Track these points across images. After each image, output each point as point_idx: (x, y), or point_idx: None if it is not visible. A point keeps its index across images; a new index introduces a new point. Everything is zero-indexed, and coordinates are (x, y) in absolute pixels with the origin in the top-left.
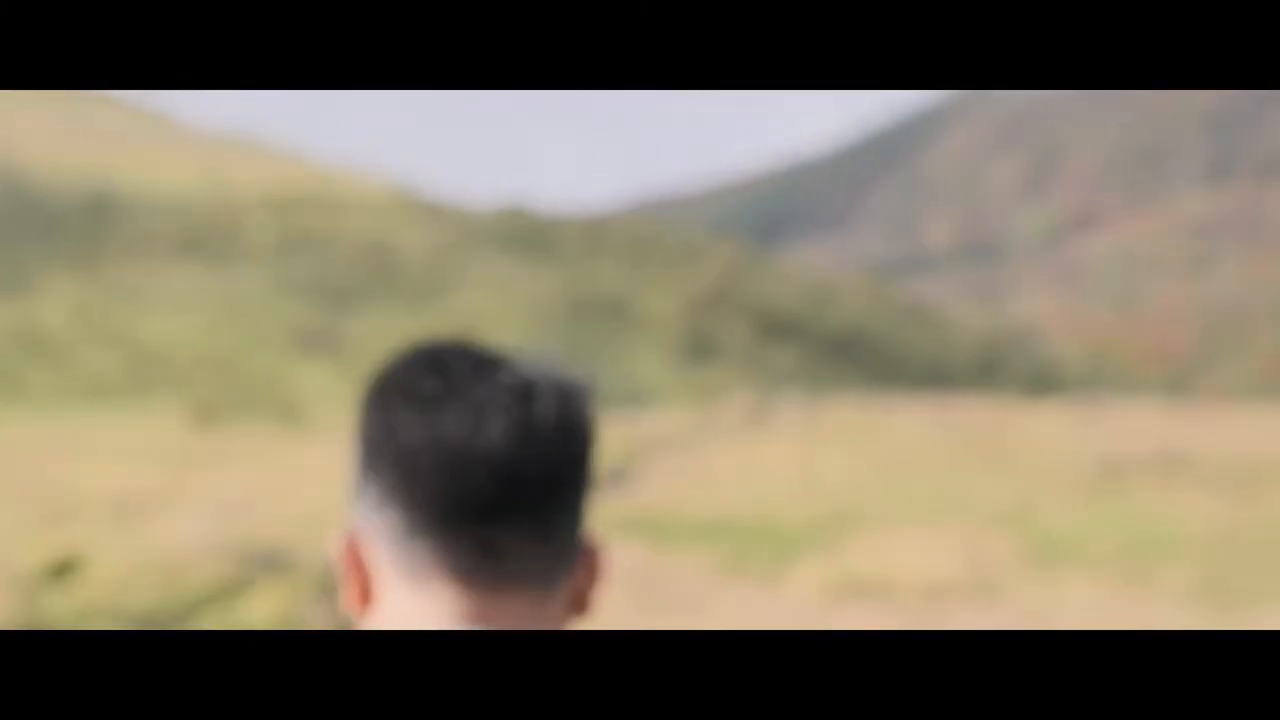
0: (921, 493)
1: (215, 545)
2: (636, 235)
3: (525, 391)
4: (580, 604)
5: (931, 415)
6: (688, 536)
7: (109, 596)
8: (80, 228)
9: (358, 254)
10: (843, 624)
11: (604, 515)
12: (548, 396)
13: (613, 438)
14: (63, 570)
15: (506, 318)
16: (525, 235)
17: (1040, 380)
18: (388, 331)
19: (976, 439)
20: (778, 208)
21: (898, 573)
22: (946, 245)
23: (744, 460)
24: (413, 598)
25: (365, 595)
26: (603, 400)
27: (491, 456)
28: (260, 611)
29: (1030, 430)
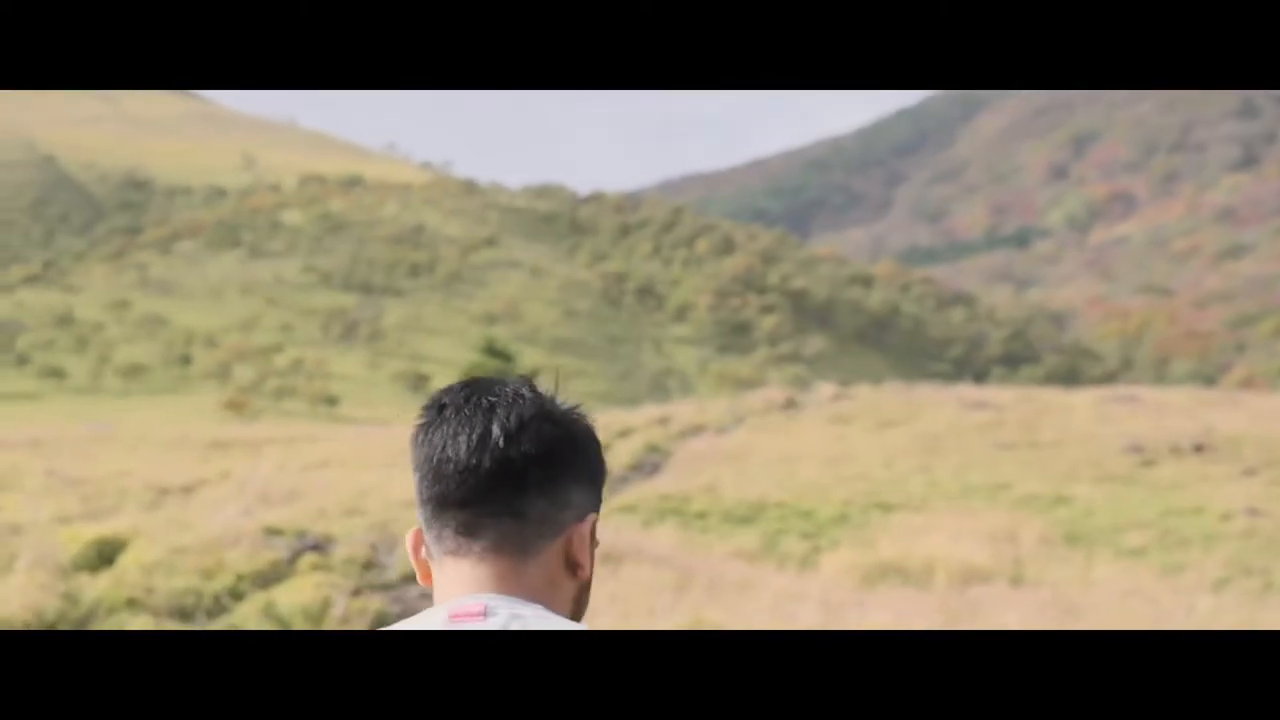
0: (953, 478)
1: (252, 532)
2: (669, 222)
3: (488, 412)
4: (574, 566)
5: (963, 401)
6: (721, 522)
7: (147, 582)
8: (117, 216)
9: (392, 241)
10: (875, 608)
11: (638, 500)
12: (505, 415)
13: (645, 425)
14: (101, 557)
15: (539, 304)
16: (558, 219)
17: (1072, 366)
18: (422, 319)
19: (1008, 425)
20: (808, 186)
21: (930, 558)
22: (978, 232)
23: (777, 446)
24: (439, 570)
25: (427, 573)
26: (635, 386)
27: (455, 462)
28: (297, 597)
29: (1062, 416)
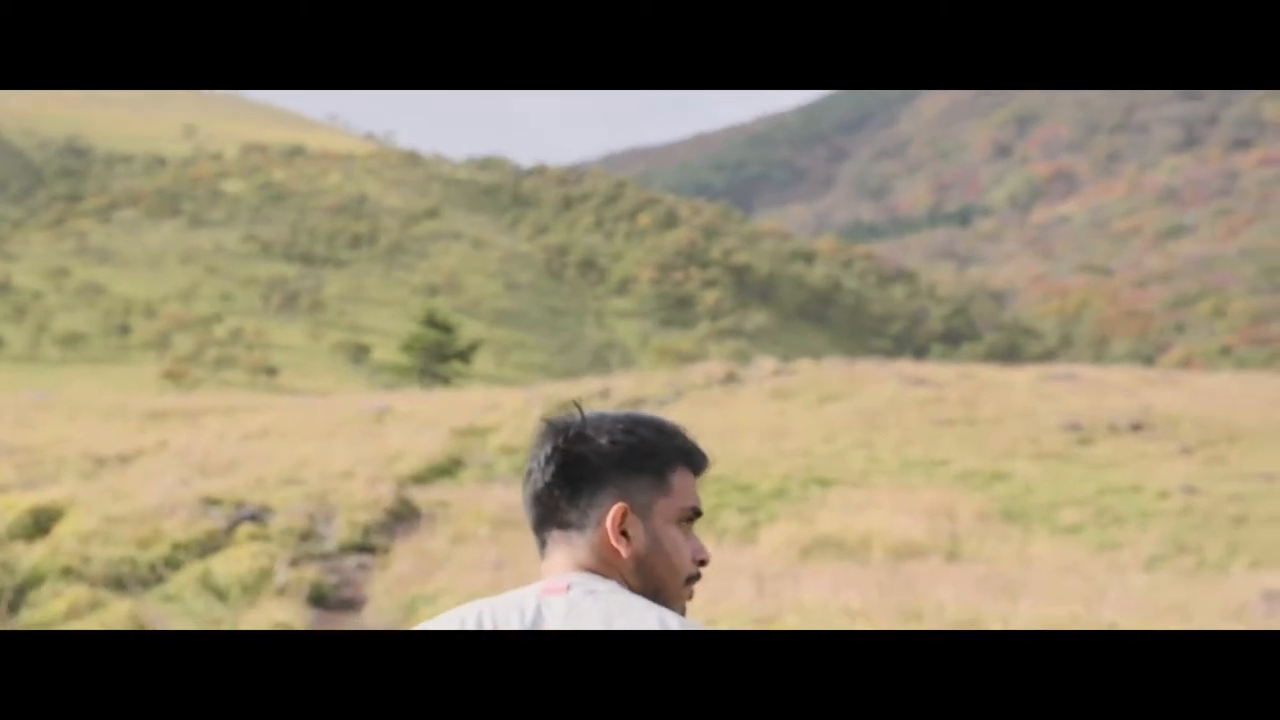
0: (893, 454)
1: (190, 501)
2: (612, 195)
3: (533, 454)
4: (611, 539)
5: (903, 377)
6: None
7: (83, 551)
8: (56, 184)
9: (334, 211)
10: (811, 582)
11: None
12: (539, 454)
13: (586, 397)
14: (37, 525)
15: (481, 276)
16: (500, 191)
17: (1012, 344)
18: (363, 290)
19: (948, 401)
20: (752, 161)
21: (867, 532)
22: (921, 209)
23: (717, 420)
24: (544, 558)
25: None
26: (576, 359)
27: (524, 494)
28: (235, 567)
29: (1001, 393)
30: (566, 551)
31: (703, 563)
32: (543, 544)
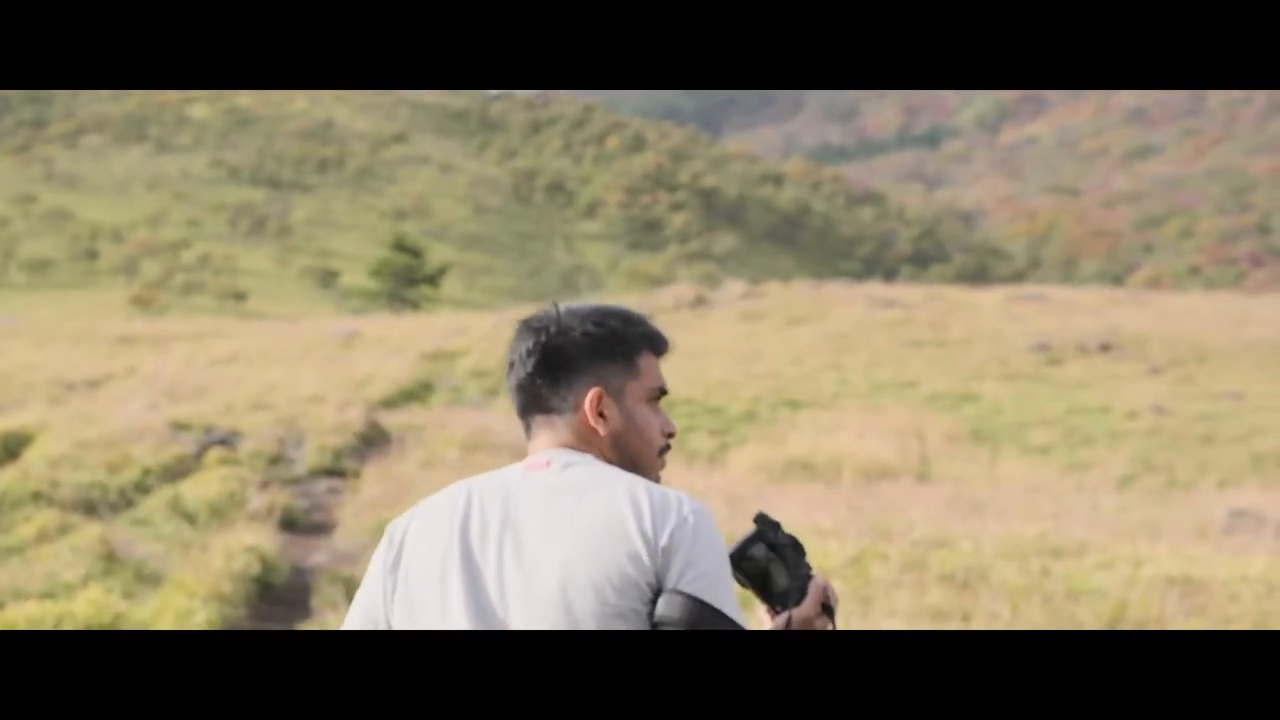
0: (862, 376)
1: (159, 426)
2: (580, 119)
3: (513, 347)
4: (590, 420)
5: (873, 299)
6: None
7: (53, 476)
8: (22, 109)
9: (301, 136)
10: (782, 503)
11: None
12: (520, 347)
13: None
14: (6, 450)
15: (449, 201)
16: (468, 115)
17: (980, 265)
18: (331, 215)
19: (917, 323)
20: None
21: (838, 454)
22: (889, 131)
23: (686, 343)
24: (528, 442)
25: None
26: (545, 283)
27: (509, 384)
28: (204, 491)
29: (970, 314)
30: (549, 433)
31: (671, 435)
32: (528, 428)
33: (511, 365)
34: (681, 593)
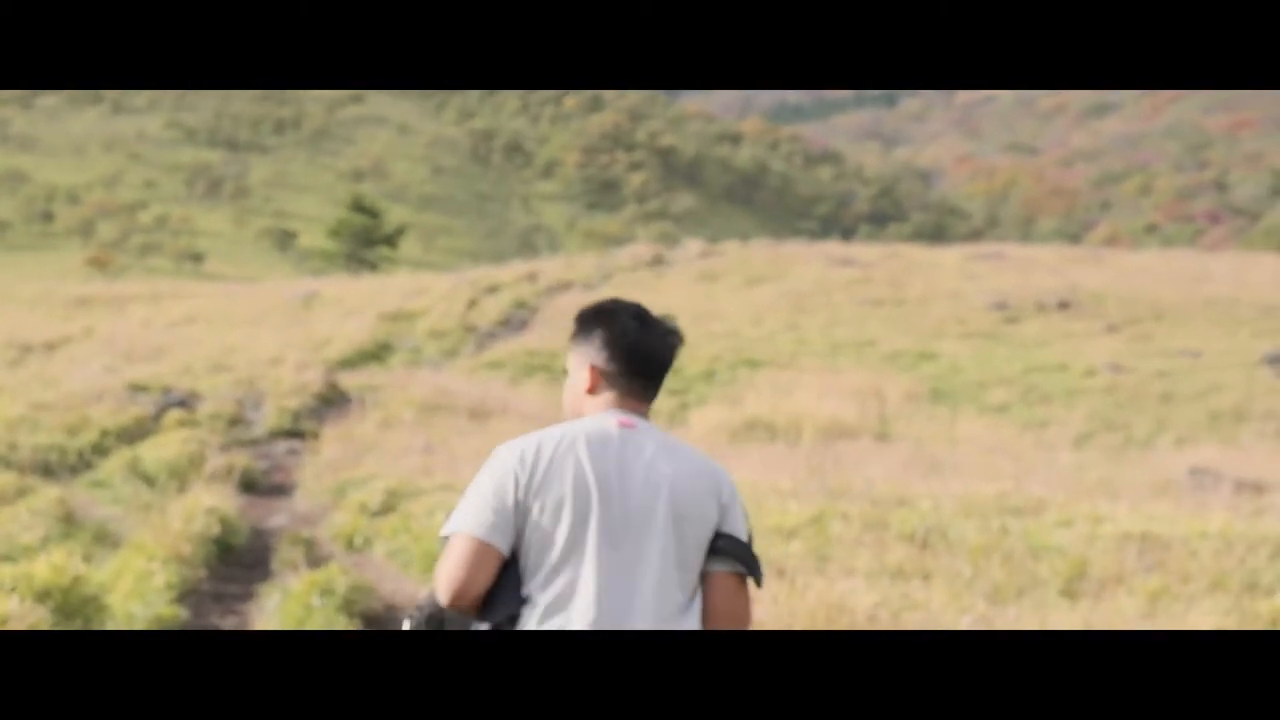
0: (821, 335)
1: (117, 388)
2: None
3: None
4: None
5: (831, 258)
6: None
7: (10, 438)
8: None
9: (257, 97)
10: (742, 463)
11: (506, 356)
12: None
13: (513, 281)
14: None
15: (407, 161)
16: None
17: (938, 224)
18: (288, 176)
19: (875, 282)
20: None
21: (797, 414)
22: (846, 90)
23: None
24: (612, 399)
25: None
26: (503, 244)
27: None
28: (163, 453)
29: (928, 273)
30: (634, 403)
31: None
32: (629, 395)
33: (652, 350)
34: (728, 534)
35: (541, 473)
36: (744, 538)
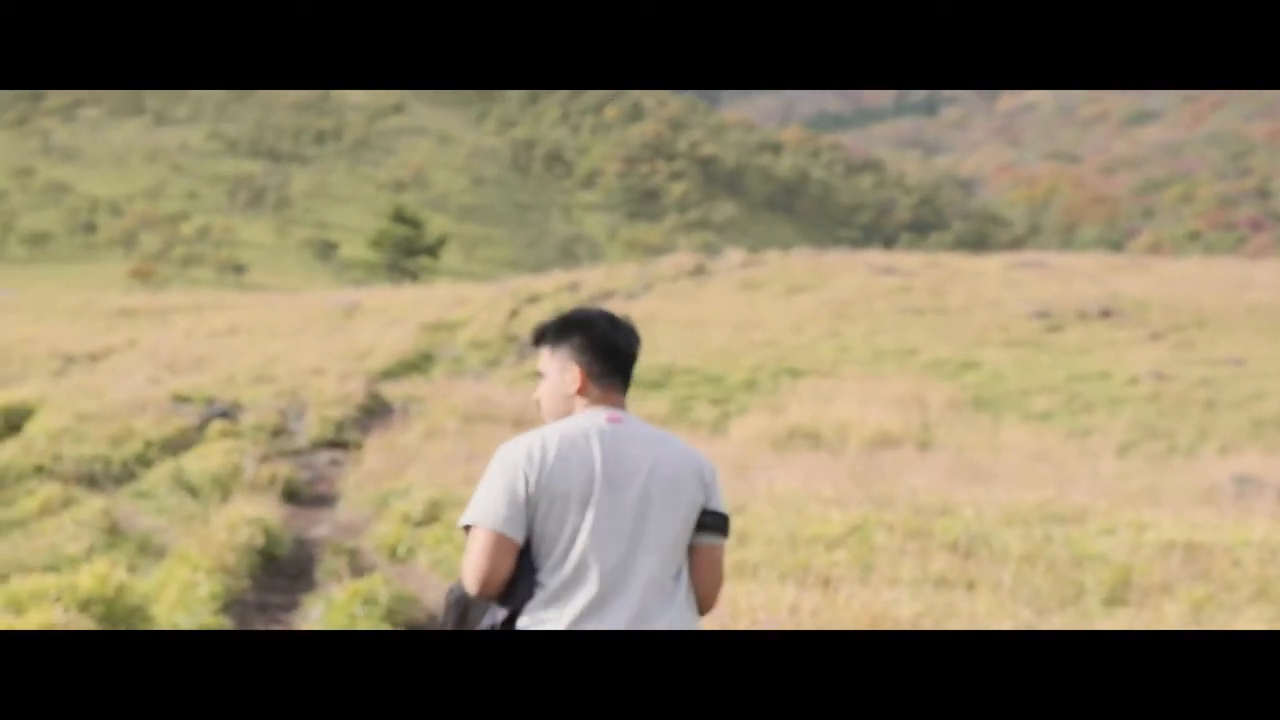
0: (862, 344)
1: (160, 399)
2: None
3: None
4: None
5: (872, 267)
6: (630, 388)
7: (55, 449)
8: None
9: (299, 107)
10: (785, 471)
11: None
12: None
13: (554, 290)
14: (8, 424)
15: (447, 171)
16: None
17: (980, 232)
18: (329, 186)
19: (917, 290)
20: None
21: (839, 423)
22: (887, 98)
23: (686, 312)
24: (599, 398)
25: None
26: (544, 253)
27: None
28: (207, 464)
29: (970, 282)
30: (619, 398)
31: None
32: (609, 390)
33: (626, 347)
34: (714, 511)
35: (549, 469)
36: (726, 513)
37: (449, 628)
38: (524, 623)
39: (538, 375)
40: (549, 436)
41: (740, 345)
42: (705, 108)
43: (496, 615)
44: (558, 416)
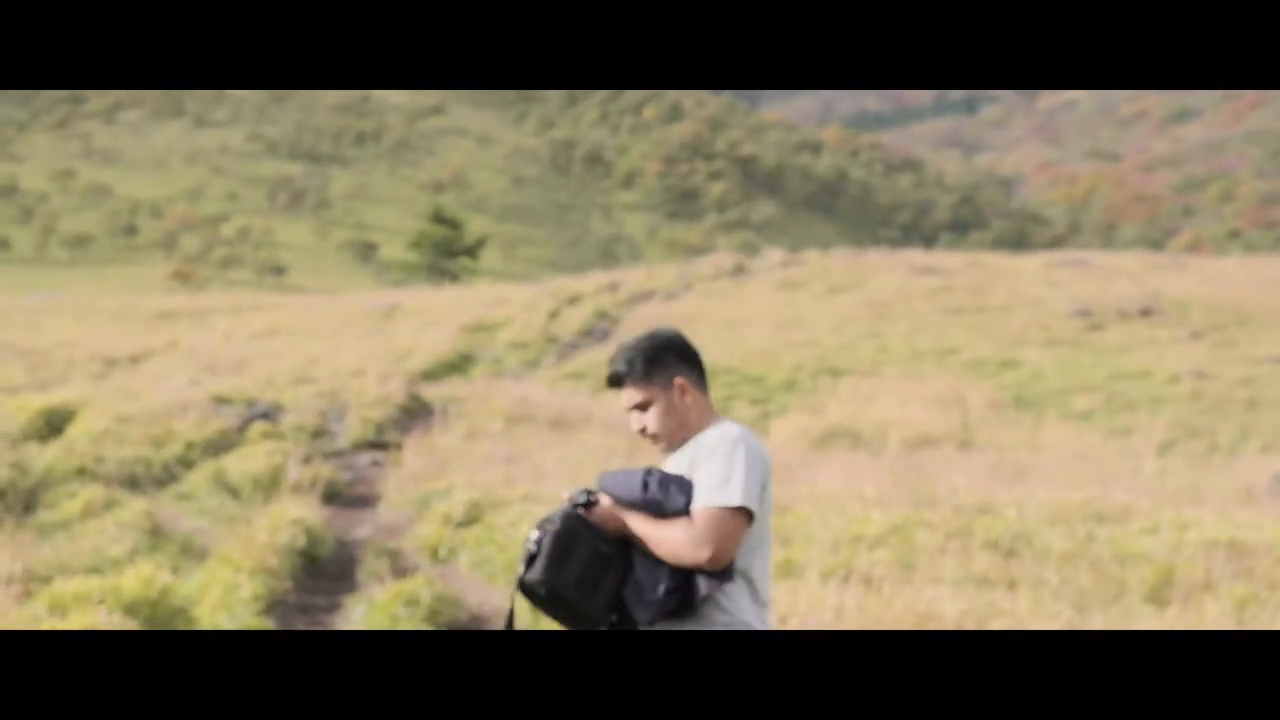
0: (902, 343)
1: (200, 401)
2: (616, 90)
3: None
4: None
5: (912, 266)
6: None
7: (96, 451)
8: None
9: (338, 109)
10: (826, 470)
11: (587, 367)
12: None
13: (594, 291)
14: (49, 426)
15: (487, 172)
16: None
17: (1020, 231)
18: (369, 188)
19: (957, 290)
20: None
21: (879, 422)
22: (926, 97)
23: (725, 312)
24: (707, 404)
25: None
26: (584, 253)
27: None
28: (248, 465)
29: (1010, 281)
30: None
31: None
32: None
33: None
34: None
35: (770, 471)
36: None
37: (546, 562)
38: (716, 603)
39: (634, 410)
40: (752, 436)
41: (780, 345)
42: (744, 108)
43: (706, 586)
44: (675, 438)
